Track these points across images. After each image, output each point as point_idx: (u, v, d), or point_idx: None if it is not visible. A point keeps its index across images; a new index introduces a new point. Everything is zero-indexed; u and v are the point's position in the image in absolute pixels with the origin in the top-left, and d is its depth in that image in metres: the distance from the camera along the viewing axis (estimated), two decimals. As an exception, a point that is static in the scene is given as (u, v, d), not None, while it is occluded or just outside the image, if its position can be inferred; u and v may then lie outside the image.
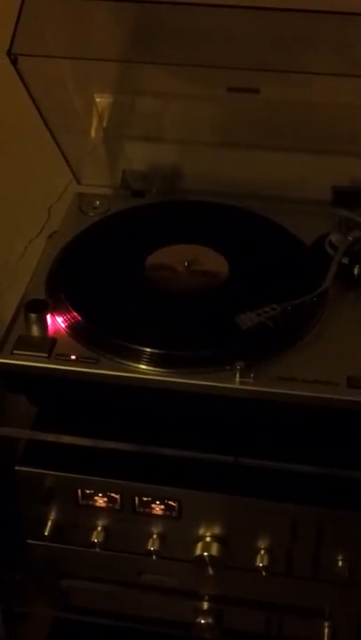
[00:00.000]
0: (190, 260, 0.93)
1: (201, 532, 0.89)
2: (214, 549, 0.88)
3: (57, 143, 1.00)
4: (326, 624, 0.95)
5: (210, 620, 0.96)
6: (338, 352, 0.83)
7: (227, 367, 0.80)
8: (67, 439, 0.86)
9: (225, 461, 0.83)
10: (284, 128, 1.00)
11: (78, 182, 1.07)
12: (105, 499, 0.88)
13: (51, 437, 0.87)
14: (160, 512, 0.88)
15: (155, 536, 0.89)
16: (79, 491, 0.88)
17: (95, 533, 0.90)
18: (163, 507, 0.87)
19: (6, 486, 0.90)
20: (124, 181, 1.08)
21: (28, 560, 0.97)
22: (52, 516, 0.91)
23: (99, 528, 0.90)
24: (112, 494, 0.88)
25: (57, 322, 0.86)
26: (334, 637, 0.95)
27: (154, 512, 0.88)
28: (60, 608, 1.02)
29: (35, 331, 0.85)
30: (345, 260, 0.91)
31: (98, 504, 0.89)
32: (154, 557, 0.89)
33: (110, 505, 0.88)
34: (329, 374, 0.80)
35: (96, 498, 0.88)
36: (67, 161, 1.03)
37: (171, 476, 0.86)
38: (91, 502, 0.89)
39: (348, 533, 0.86)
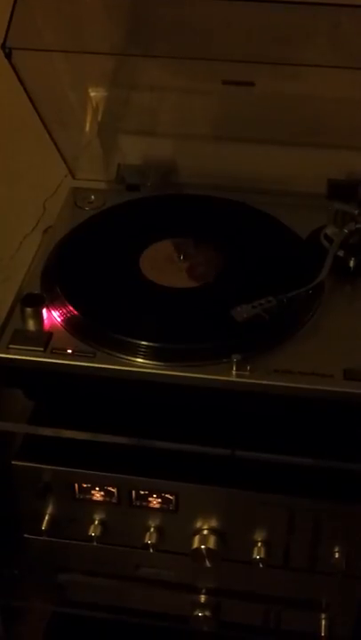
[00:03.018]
0: (186, 253, 0.93)
1: (198, 524, 0.89)
2: (212, 542, 0.88)
3: (52, 137, 0.99)
4: (323, 616, 0.95)
5: (207, 613, 0.96)
6: (334, 344, 0.83)
7: (223, 360, 0.80)
8: (63, 433, 0.86)
9: (222, 454, 0.83)
10: (280, 121, 1.00)
11: (73, 177, 1.07)
12: (102, 492, 0.88)
13: (47, 432, 0.86)
14: (157, 505, 0.88)
15: (152, 529, 0.89)
16: (76, 485, 0.88)
17: (92, 527, 0.90)
18: (160, 500, 0.87)
19: (3, 481, 0.90)
20: (119, 175, 1.08)
21: (25, 555, 0.97)
22: (49, 510, 0.91)
23: (96, 522, 0.90)
24: (109, 488, 0.88)
25: (53, 316, 0.86)
26: (332, 629, 0.96)
27: (151, 505, 0.88)
28: (57, 602, 1.02)
29: (31, 325, 0.85)
30: (340, 253, 0.91)
31: (95, 498, 0.89)
32: (151, 551, 0.89)
33: (107, 499, 0.88)
34: (325, 366, 0.80)
35: (93, 492, 0.88)
36: (62, 155, 1.03)
37: (168, 470, 0.86)
38: (88, 496, 0.89)
39: (345, 525, 0.86)
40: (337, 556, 0.88)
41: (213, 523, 0.88)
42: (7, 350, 0.82)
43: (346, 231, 0.92)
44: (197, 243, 0.95)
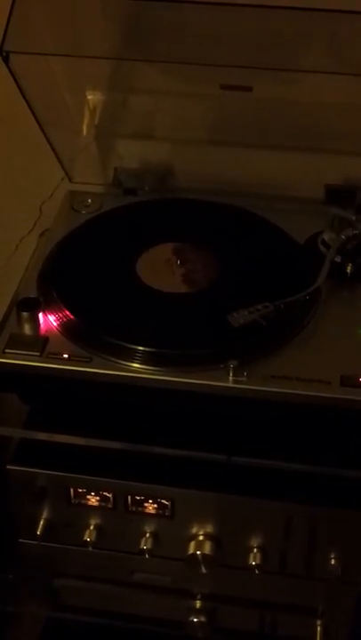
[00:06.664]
0: (183, 258, 0.93)
1: (194, 530, 0.88)
2: (207, 548, 0.88)
3: (49, 141, 0.99)
4: (319, 622, 0.95)
5: (203, 619, 0.96)
6: (331, 350, 0.83)
7: (220, 365, 0.80)
8: (59, 438, 0.85)
9: (218, 460, 0.83)
10: (277, 126, 1.00)
11: (70, 180, 1.07)
12: (97, 498, 0.88)
13: (43, 436, 0.86)
14: (153, 511, 0.88)
15: (147, 535, 0.89)
16: (71, 490, 0.88)
17: (88, 532, 0.90)
18: (155, 505, 0.87)
19: (-2, 485, 0.90)
20: (116, 179, 1.08)
21: (20, 559, 0.96)
22: (45, 515, 0.91)
23: (91, 527, 0.90)
24: (105, 493, 0.88)
25: (49, 320, 0.85)
26: (327, 635, 0.95)
27: (147, 511, 0.88)
28: (52, 607, 1.02)
29: (27, 329, 0.84)
30: (337, 259, 0.91)
31: (90, 503, 0.88)
32: (147, 556, 0.89)
33: (103, 504, 0.88)
34: (322, 373, 0.80)
35: (88, 497, 0.88)
36: (58, 158, 1.03)
37: (163, 475, 0.86)
38: (83, 501, 0.89)
39: (341, 531, 0.86)
40: (333, 562, 0.88)
41: (209, 528, 0.88)
42: (3, 355, 0.82)
43: (343, 237, 0.92)
44: (194, 247, 0.95)
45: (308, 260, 0.92)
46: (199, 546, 0.88)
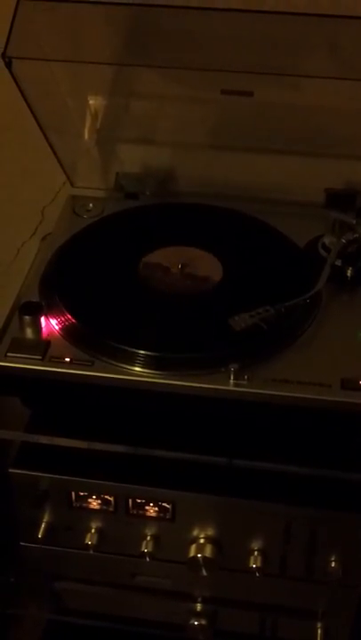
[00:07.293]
0: (184, 262, 0.93)
1: (195, 533, 0.89)
2: (208, 551, 0.88)
3: (51, 145, 1.00)
4: (319, 625, 0.95)
5: (203, 622, 0.96)
6: (332, 354, 0.83)
7: (221, 369, 0.80)
8: (60, 441, 0.86)
9: (219, 463, 0.83)
10: (278, 131, 1.00)
11: (72, 184, 1.08)
12: (99, 501, 0.88)
13: (44, 440, 0.86)
14: (154, 514, 0.88)
15: (148, 538, 0.89)
16: (73, 493, 0.88)
17: (89, 535, 0.90)
18: (156, 509, 0.87)
19: (0, 488, 0.90)
20: (117, 184, 1.08)
21: (21, 562, 0.97)
22: (46, 518, 0.91)
23: (92, 530, 0.90)
24: (106, 496, 0.88)
25: (51, 324, 0.86)
26: (327, 638, 0.95)
27: (148, 514, 0.88)
28: (53, 610, 1.02)
29: (29, 333, 0.85)
30: (338, 263, 0.92)
31: (92, 506, 0.89)
32: (148, 559, 0.89)
33: (104, 507, 0.88)
34: (323, 376, 0.80)
35: (90, 500, 0.88)
36: (60, 163, 1.03)
37: (164, 478, 0.86)
38: (84, 504, 0.89)
39: (342, 535, 0.87)
40: (333, 565, 0.88)
41: (210, 531, 0.88)
42: (5, 358, 0.82)
43: (343, 241, 0.92)
44: (195, 251, 0.95)
45: (309, 264, 0.92)
46: (200, 549, 0.88)
